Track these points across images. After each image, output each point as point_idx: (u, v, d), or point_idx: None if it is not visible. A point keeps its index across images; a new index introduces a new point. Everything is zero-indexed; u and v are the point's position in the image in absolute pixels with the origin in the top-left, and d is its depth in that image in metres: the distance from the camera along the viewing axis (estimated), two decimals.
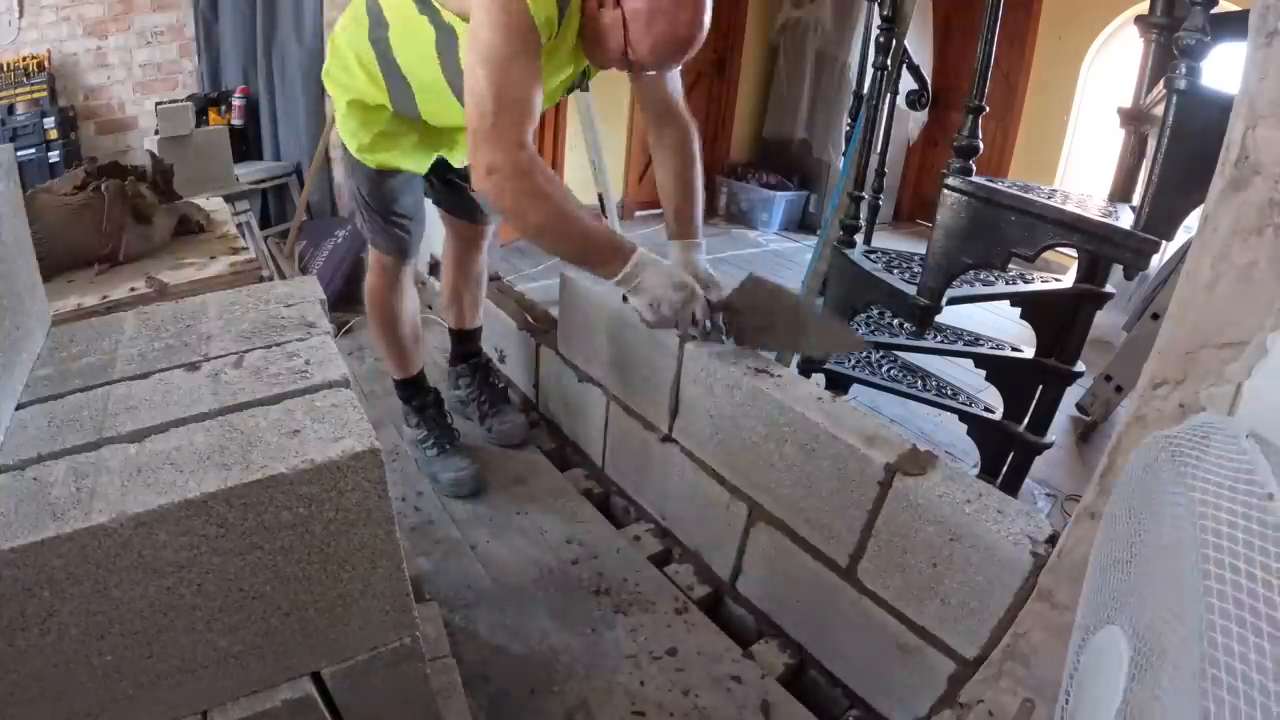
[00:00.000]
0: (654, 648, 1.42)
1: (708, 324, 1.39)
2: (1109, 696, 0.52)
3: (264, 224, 3.48)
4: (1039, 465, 2.06)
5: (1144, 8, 1.88)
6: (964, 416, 2.04)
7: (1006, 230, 1.44)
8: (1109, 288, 1.84)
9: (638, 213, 5.04)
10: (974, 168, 1.54)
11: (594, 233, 1.24)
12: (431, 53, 1.27)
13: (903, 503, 1.17)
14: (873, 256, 1.90)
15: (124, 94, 3.53)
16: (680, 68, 1.32)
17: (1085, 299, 1.84)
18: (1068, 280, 2.00)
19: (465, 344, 2.00)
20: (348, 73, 1.43)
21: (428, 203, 1.74)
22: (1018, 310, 1.95)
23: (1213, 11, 1.18)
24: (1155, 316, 2.45)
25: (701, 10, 1.14)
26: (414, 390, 1.85)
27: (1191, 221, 1.02)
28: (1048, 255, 1.52)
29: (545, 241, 1.22)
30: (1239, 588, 0.42)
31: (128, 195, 1.42)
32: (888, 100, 2.03)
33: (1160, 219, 1.29)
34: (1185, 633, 0.44)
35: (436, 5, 1.23)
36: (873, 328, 2.08)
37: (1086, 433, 2.64)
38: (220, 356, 0.90)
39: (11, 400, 0.80)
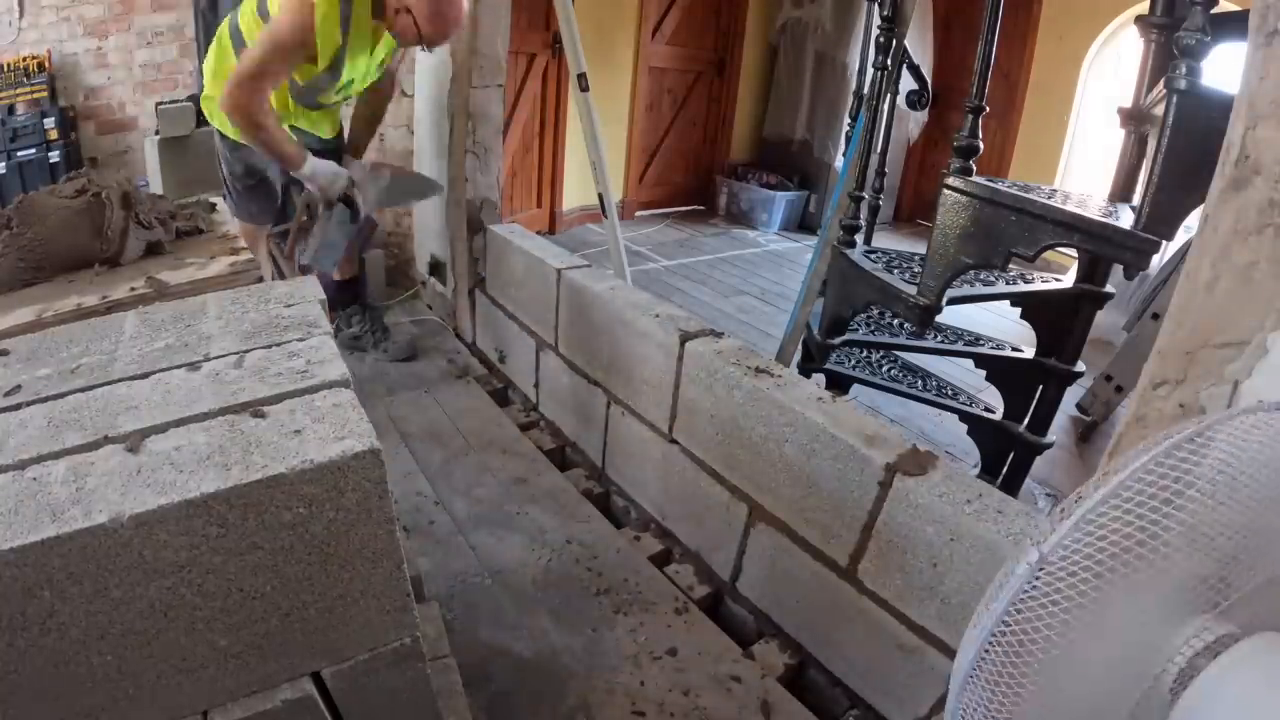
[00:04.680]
0: (654, 648, 1.42)
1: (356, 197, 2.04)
2: None
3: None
4: (1039, 465, 2.06)
5: (1144, 8, 1.88)
6: (964, 416, 2.04)
7: (1007, 230, 1.44)
8: (1109, 288, 1.84)
9: (638, 212, 5.04)
10: (974, 168, 1.54)
11: (287, 148, 1.84)
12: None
13: (903, 503, 1.17)
14: (873, 256, 1.90)
15: (124, 94, 3.52)
16: None
17: (1085, 299, 1.84)
18: (1068, 280, 2.00)
19: (350, 290, 2.47)
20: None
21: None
22: (1018, 310, 1.95)
23: (1213, 11, 1.18)
24: (1155, 316, 2.44)
25: (462, 5, 1.78)
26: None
27: (1191, 221, 1.02)
28: (1048, 255, 1.52)
29: (256, 147, 1.85)
30: None
31: (131, 200, 1.42)
32: (888, 100, 2.03)
33: (1160, 219, 1.29)
34: None
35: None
36: (873, 328, 2.08)
37: (1087, 433, 2.63)
38: (221, 356, 0.90)
39: None
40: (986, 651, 0.55)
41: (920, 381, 2.10)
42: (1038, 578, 0.53)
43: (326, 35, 1.72)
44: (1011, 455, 1.99)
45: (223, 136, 2.03)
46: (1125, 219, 1.39)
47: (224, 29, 1.93)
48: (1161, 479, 0.52)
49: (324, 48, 1.74)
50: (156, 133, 3.04)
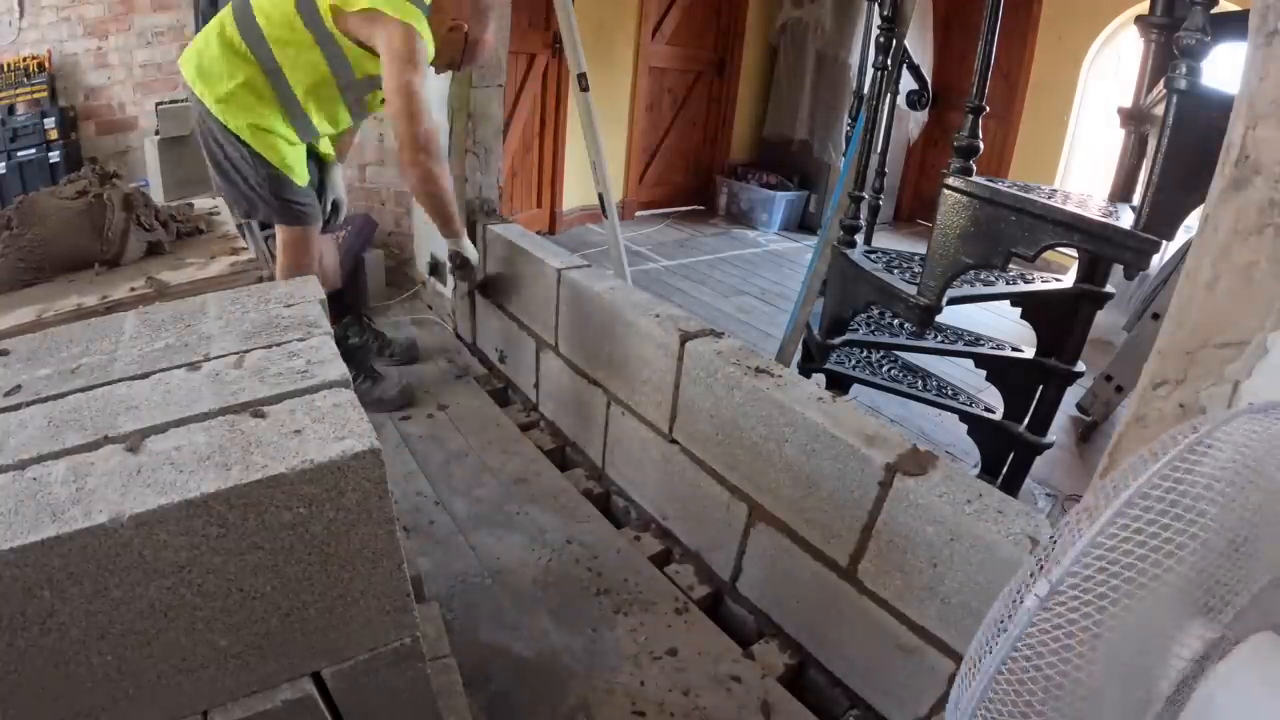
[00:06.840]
0: (654, 648, 1.42)
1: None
2: None
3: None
4: (1039, 465, 2.06)
5: (1144, 8, 1.88)
6: (964, 416, 2.04)
7: (1007, 230, 1.44)
8: (1109, 288, 1.84)
9: (638, 212, 5.04)
10: (974, 168, 1.54)
11: (455, 210, 1.85)
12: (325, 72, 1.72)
13: (903, 503, 1.17)
14: (873, 256, 1.90)
15: (124, 94, 3.52)
16: None
17: (1085, 299, 1.84)
18: (1068, 280, 1.99)
19: (342, 302, 2.31)
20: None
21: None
22: (1018, 310, 1.95)
23: (1213, 11, 1.18)
24: (1155, 316, 2.44)
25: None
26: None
27: (1191, 221, 1.02)
28: (1048, 255, 1.52)
29: (430, 206, 1.81)
30: None
31: (131, 202, 1.42)
32: (888, 100, 2.03)
33: (1160, 219, 1.29)
34: None
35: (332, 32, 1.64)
36: (873, 328, 2.08)
37: (1087, 433, 2.63)
38: (221, 357, 0.90)
39: None
40: (995, 683, 0.54)
41: (920, 381, 2.10)
42: (1047, 608, 0.52)
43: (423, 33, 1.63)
44: (1011, 455, 1.99)
45: (253, 153, 1.72)
46: (1125, 219, 1.39)
47: (229, 24, 1.65)
48: (1162, 498, 0.51)
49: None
50: (156, 133, 3.04)
